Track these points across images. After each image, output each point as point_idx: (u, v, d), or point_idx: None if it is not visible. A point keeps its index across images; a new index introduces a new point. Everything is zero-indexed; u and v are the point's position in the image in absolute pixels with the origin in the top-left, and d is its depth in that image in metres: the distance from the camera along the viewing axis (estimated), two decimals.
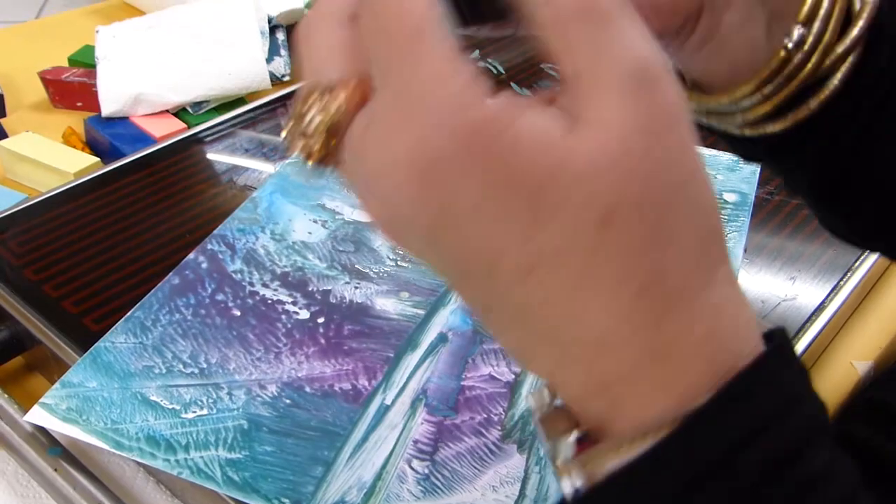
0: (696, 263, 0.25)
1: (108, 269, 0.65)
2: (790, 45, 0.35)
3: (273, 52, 0.93)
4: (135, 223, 0.70)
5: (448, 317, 0.62)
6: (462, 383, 0.57)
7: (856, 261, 0.70)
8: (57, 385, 0.55)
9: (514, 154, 0.24)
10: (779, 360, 0.26)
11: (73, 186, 0.73)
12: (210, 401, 0.55)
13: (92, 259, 0.66)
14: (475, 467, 0.52)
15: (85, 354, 0.57)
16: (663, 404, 0.25)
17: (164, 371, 0.56)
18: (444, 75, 0.24)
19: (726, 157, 0.81)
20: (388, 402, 0.55)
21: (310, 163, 0.27)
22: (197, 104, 0.87)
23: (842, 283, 0.68)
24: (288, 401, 0.55)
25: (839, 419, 0.65)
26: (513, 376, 0.58)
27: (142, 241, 0.68)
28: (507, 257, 0.24)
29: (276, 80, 0.91)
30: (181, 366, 0.57)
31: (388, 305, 0.62)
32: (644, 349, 0.25)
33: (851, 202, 0.39)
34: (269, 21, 0.94)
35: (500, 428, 0.54)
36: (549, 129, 0.24)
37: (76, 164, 0.79)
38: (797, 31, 0.35)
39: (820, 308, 0.66)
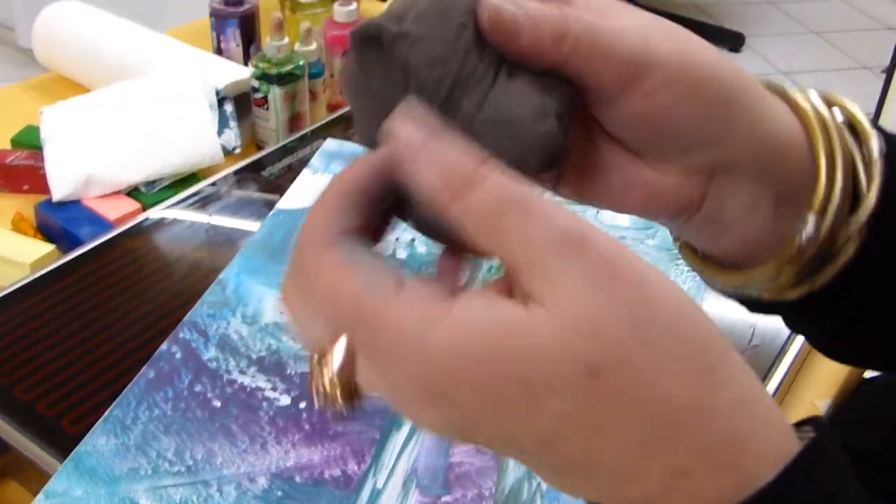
0: (696, 373, 0.27)
1: (79, 366, 0.64)
2: (805, 237, 0.35)
3: (222, 124, 0.93)
4: (101, 314, 0.69)
5: None
6: (450, 460, 0.58)
7: None
8: (41, 496, 0.54)
9: (488, 359, 0.26)
10: (814, 456, 0.27)
11: (33, 281, 0.72)
12: (200, 500, 0.54)
13: (61, 357, 0.65)
14: None
15: (66, 460, 0.56)
16: None
17: (150, 472, 0.56)
18: (398, 321, 0.27)
19: None
20: (379, 485, 0.56)
21: (341, 407, 0.29)
22: (150, 183, 0.86)
23: None
24: (279, 493, 0.55)
25: None
26: None
27: (111, 334, 0.67)
28: (526, 438, 0.27)
29: (228, 153, 0.91)
30: (167, 464, 0.56)
31: None
32: (665, 472, 0.27)
33: (863, 343, 0.40)
34: (217, 93, 0.94)
35: (492, 503, 0.55)
36: (510, 323, 0.26)
37: (31, 254, 0.78)
38: (811, 221, 0.35)
39: (781, 352, 0.69)
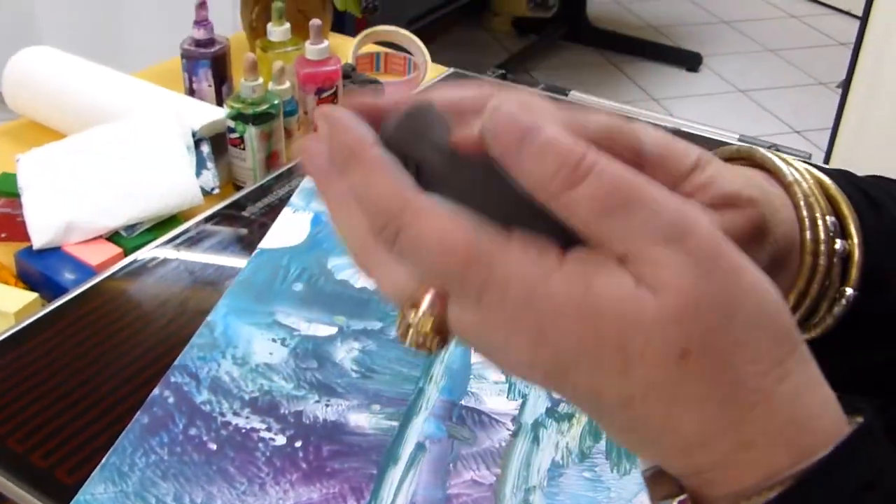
0: (770, 363, 0.30)
1: (71, 414, 0.64)
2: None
3: (200, 165, 0.93)
4: (90, 362, 0.69)
5: (422, 425, 0.63)
6: (448, 492, 0.58)
7: None
8: None
9: (597, 314, 0.29)
10: (863, 437, 0.30)
11: (18, 331, 0.72)
12: None
13: (52, 406, 0.65)
14: None
15: None
16: (752, 482, 0.30)
17: None
18: (520, 262, 0.30)
19: None
20: None
21: (432, 344, 0.32)
22: (130, 227, 0.86)
23: None
24: None
25: None
26: (493, 478, 0.59)
27: (101, 381, 0.67)
28: (610, 393, 0.30)
29: (206, 194, 0.92)
30: None
31: (362, 420, 0.63)
32: (732, 443, 0.30)
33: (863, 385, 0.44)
34: (193, 135, 0.95)
35: None
36: (621, 289, 0.29)
37: (14, 304, 0.78)
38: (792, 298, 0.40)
39: None
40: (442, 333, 0.31)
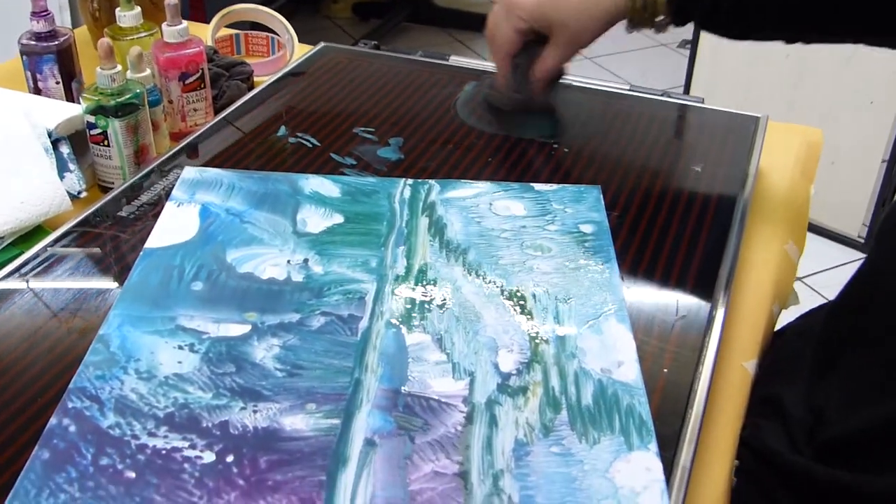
0: None
1: None
2: None
3: (61, 168, 0.83)
4: None
5: (367, 420, 0.57)
6: (409, 489, 0.52)
7: (719, 267, 0.72)
8: None
9: None
10: None
11: None
12: None
13: None
14: None
15: None
16: None
17: None
18: None
19: (570, 189, 0.81)
20: None
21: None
22: None
23: (717, 294, 0.70)
24: None
25: (744, 426, 0.67)
26: (456, 467, 0.54)
27: None
28: None
29: (73, 198, 0.82)
30: None
31: (298, 423, 0.56)
32: None
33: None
34: (49, 135, 0.84)
35: None
36: None
37: None
38: None
39: (709, 321, 0.67)
40: None
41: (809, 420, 0.70)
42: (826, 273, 2.11)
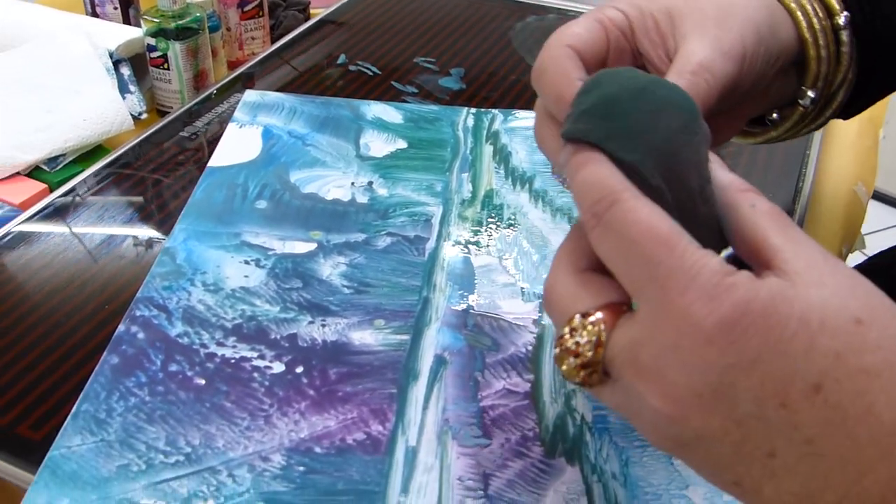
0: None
1: (23, 364, 0.55)
2: (807, 104, 0.45)
3: (122, 90, 0.82)
4: (35, 305, 0.59)
5: (437, 337, 0.56)
6: (481, 404, 0.52)
7: (794, 203, 0.71)
8: None
9: (771, 328, 0.28)
10: None
11: None
12: (212, 489, 0.46)
13: (2, 357, 0.55)
14: (533, 492, 0.47)
15: (41, 469, 0.47)
16: None
17: (143, 467, 0.47)
18: (696, 292, 0.28)
19: None
20: (412, 443, 0.49)
21: (579, 375, 0.32)
22: (52, 160, 0.76)
23: None
24: (301, 468, 0.48)
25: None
26: (528, 385, 0.53)
27: (52, 325, 0.57)
28: (798, 380, 0.28)
29: (133, 119, 0.81)
30: (161, 456, 0.48)
31: (367, 338, 0.56)
32: None
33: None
34: (111, 56, 0.84)
35: (539, 444, 0.49)
36: (782, 286, 0.29)
37: None
38: (810, 94, 0.45)
39: None
40: (598, 348, 0.31)
41: None
42: (881, 233, 2.08)
